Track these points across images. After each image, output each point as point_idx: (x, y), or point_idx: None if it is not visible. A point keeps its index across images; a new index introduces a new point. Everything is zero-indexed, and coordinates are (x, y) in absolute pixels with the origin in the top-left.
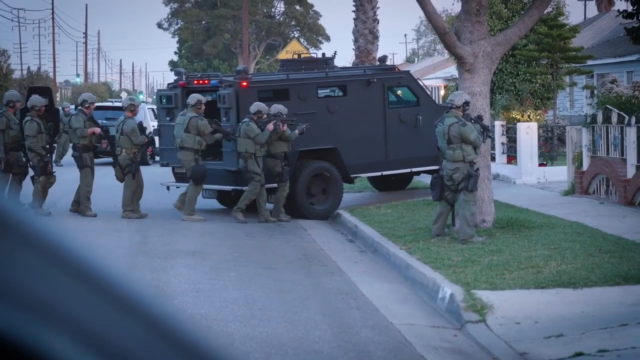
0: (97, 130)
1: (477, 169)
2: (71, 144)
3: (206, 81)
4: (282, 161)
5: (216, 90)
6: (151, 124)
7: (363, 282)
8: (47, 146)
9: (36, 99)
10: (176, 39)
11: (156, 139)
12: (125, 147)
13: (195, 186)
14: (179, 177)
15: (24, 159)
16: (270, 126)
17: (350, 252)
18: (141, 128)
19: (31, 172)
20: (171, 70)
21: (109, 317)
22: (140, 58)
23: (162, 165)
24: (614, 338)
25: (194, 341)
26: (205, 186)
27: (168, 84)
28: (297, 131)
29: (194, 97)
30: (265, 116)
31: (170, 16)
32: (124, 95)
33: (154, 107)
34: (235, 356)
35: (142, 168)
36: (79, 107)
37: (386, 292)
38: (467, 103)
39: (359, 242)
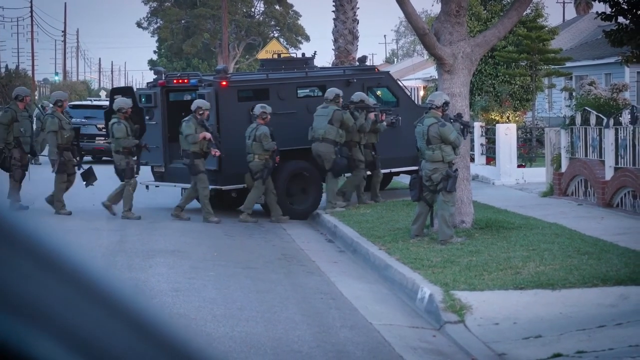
0: (208, 135)
1: (456, 169)
2: (181, 150)
3: (186, 80)
4: (372, 150)
5: (196, 89)
6: None
7: (342, 282)
8: (134, 148)
9: (123, 101)
10: (155, 38)
11: None
12: (257, 152)
13: (334, 179)
14: (158, 176)
15: (76, 159)
16: (372, 115)
17: (329, 252)
18: (271, 135)
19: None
20: (150, 69)
21: (89, 316)
22: (119, 57)
23: (142, 164)
24: (592, 339)
25: (173, 340)
26: (184, 185)
27: (147, 83)
28: (385, 123)
29: (332, 92)
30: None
31: (149, 15)
32: (102, 94)
33: None
34: (214, 356)
35: None
36: (112, 112)
37: (365, 292)
38: (446, 104)
39: (338, 242)
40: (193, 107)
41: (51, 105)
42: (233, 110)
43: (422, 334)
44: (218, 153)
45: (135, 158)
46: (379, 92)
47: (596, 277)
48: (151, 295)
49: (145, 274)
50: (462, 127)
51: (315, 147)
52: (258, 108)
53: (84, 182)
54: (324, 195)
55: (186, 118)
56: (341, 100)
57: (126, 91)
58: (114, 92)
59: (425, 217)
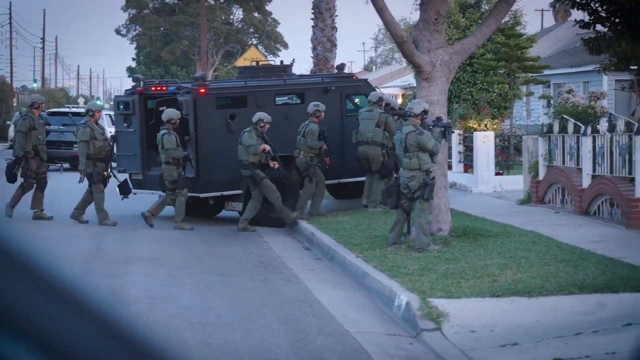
0: (267, 147)
1: (433, 177)
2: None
3: (164, 87)
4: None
5: (174, 96)
6: (108, 130)
7: (319, 290)
8: (182, 159)
9: (173, 112)
10: (134, 45)
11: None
12: (303, 149)
13: (380, 180)
14: (136, 184)
15: (108, 171)
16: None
17: (306, 260)
18: (322, 135)
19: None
20: (129, 76)
21: (65, 324)
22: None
23: (120, 171)
24: (569, 347)
25: (150, 348)
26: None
27: (126, 90)
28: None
29: (375, 95)
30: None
31: (128, 22)
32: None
33: (112, 113)
34: None
35: None
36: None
37: (342, 299)
38: (425, 112)
39: (315, 249)
40: (254, 119)
41: (87, 115)
42: (211, 118)
43: (399, 341)
44: (277, 165)
45: (181, 169)
46: (357, 100)
47: (573, 285)
48: (128, 302)
49: (122, 281)
50: (443, 129)
51: (363, 149)
52: (311, 106)
53: (120, 195)
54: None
55: (247, 129)
56: (384, 103)
57: (171, 102)
58: (159, 104)
59: (402, 225)
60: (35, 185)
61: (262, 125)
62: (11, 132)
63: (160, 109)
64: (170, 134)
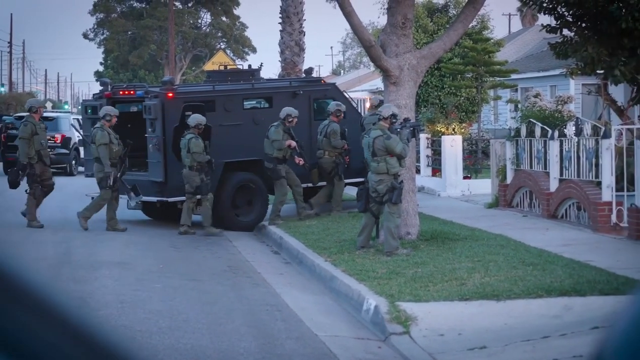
0: (293, 143)
1: (402, 181)
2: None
3: (132, 92)
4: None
5: (142, 101)
6: (76, 135)
7: (288, 294)
8: (205, 164)
9: (200, 117)
10: (102, 49)
11: (81, 149)
12: (327, 149)
13: None
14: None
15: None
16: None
17: (275, 264)
18: (342, 134)
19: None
20: (97, 80)
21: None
22: (65, 68)
23: (87, 176)
24: (537, 350)
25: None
26: (130, 197)
27: (93, 95)
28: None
29: (377, 99)
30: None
31: (96, 26)
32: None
33: (79, 117)
34: None
35: (67, 179)
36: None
37: (311, 303)
38: (394, 116)
39: (284, 253)
40: (282, 114)
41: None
42: (179, 122)
43: (367, 345)
44: (302, 162)
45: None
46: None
47: (541, 288)
48: (97, 307)
49: (90, 286)
50: (411, 129)
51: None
52: (333, 105)
53: (134, 202)
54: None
55: (275, 124)
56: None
57: (197, 108)
58: (185, 109)
59: (371, 229)
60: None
61: (289, 120)
62: None
63: (186, 113)
64: (198, 138)
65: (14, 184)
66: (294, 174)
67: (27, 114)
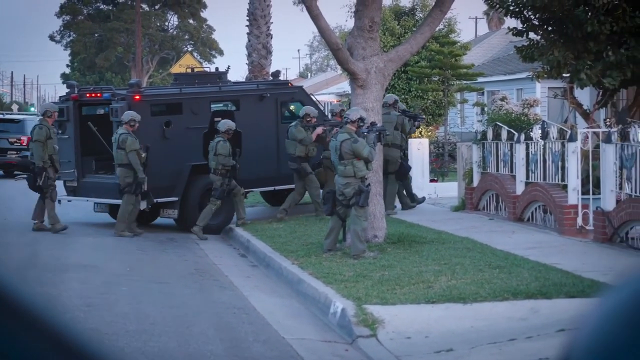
0: (320, 129)
1: (369, 184)
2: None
3: (99, 94)
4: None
5: (109, 103)
6: None
7: (255, 297)
8: (230, 169)
9: (230, 123)
10: (68, 51)
11: None
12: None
13: (395, 182)
14: (71, 191)
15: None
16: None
17: (242, 267)
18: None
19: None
20: (63, 82)
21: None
22: (31, 70)
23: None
24: (503, 352)
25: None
26: (97, 200)
27: (60, 97)
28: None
29: (391, 97)
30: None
31: (62, 28)
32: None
33: None
34: None
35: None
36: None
37: (278, 306)
38: (361, 119)
39: (251, 256)
40: (301, 113)
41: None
42: (146, 125)
43: (334, 348)
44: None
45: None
46: (292, 107)
47: (507, 291)
48: (63, 310)
49: (57, 289)
50: (377, 133)
51: (383, 151)
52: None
53: (146, 204)
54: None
55: (293, 124)
56: (399, 105)
57: (227, 114)
58: (215, 115)
59: (338, 232)
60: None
61: (308, 119)
62: None
63: (216, 119)
64: (226, 141)
65: (35, 188)
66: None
67: (41, 117)
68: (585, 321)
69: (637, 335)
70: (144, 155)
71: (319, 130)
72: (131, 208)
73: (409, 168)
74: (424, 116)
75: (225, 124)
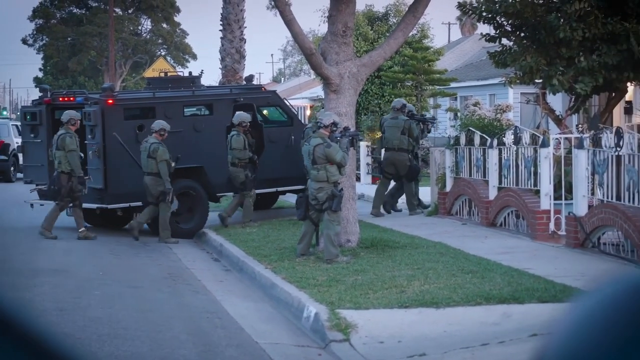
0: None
1: (341, 189)
2: None
3: (71, 98)
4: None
5: (82, 107)
6: (15, 141)
7: (228, 301)
8: (248, 161)
9: (244, 115)
10: (41, 55)
11: (20, 155)
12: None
13: (409, 183)
14: (42, 195)
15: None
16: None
17: (215, 271)
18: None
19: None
20: (36, 86)
21: None
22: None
23: (26, 182)
24: (476, 357)
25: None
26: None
27: (32, 101)
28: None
29: (399, 101)
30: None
31: (35, 32)
32: None
33: (18, 123)
34: None
35: (6, 185)
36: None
37: (251, 311)
38: (335, 124)
39: (224, 261)
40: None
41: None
42: (119, 129)
43: (307, 352)
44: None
45: (248, 172)
46: (265, 112)
47: (480, 296)
48: (35, 314)
49: (29, 293)
50: (350, 138)
51: (390, 156)
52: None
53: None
54: (210, 214)
55: (308, 125)
56: (406, 109)
57: (248, 107)
58: (236, 108)
59: (311, 236)
60: (64, 204)
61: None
62: None
63: (237, 113)
64: (239, 135)
65: (55, 197)
66: None
67: (65, 125)
68: (557, 327)
69: (608, 340)
70: (173, 164)
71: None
72: (169, 214)
73: (419, 169)
74: (435, 119)
75: (238, 117)
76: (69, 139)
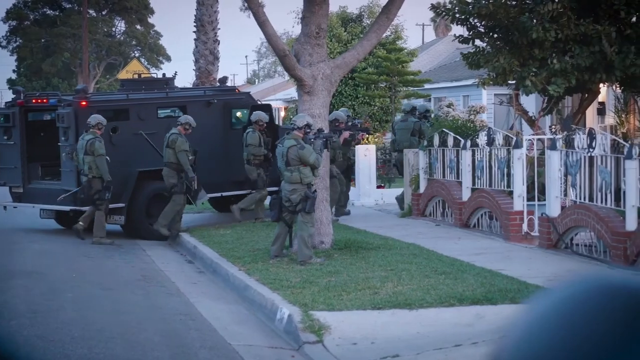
0: (347, 134)
1: (315, 190)
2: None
3: (45, 100)
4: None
5: (55, 109)
6: None
7: (202, 303)
8: (263, 159)
9: (262, 115)
10: (15, 57)
11: None
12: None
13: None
14: (16, 197)
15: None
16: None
17: (189, 273)
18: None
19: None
20: (9, 88)
21: None
22: None
23: (0, 184)
24: (449, 358)
25: None
26: (43, 206)
27: (6, 103)
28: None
29: (409, 104)
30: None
31: (8, 34)
32: None
33: None
34: None
35: None
36: None
37: (225, 313)
38: (308, 126)
39: (198, 262)
40: (331, 117)
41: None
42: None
43: (281, 354)
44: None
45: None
46: (239, 114)
47: (453, 297)
48: (9, 317)
49: (2, 296)
50: (324, 140)
51: (400, 157)
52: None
53: (199, 200)
54: (184, 216)
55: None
56: (418, 110)
57: (265, 108)
58: (253, 108)
59: (284, 238)
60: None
61: (337, 124)
62: None
63: (255, 113)
64: (255, 132)
65: (87, 202)
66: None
67: (92, 130)
68: (512, 328)
69: (562, 341)
70: (191, 158)
71: (346, 134)
72: (179, 208)
73: None
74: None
75: (256, 115)
76: (98, 144)
